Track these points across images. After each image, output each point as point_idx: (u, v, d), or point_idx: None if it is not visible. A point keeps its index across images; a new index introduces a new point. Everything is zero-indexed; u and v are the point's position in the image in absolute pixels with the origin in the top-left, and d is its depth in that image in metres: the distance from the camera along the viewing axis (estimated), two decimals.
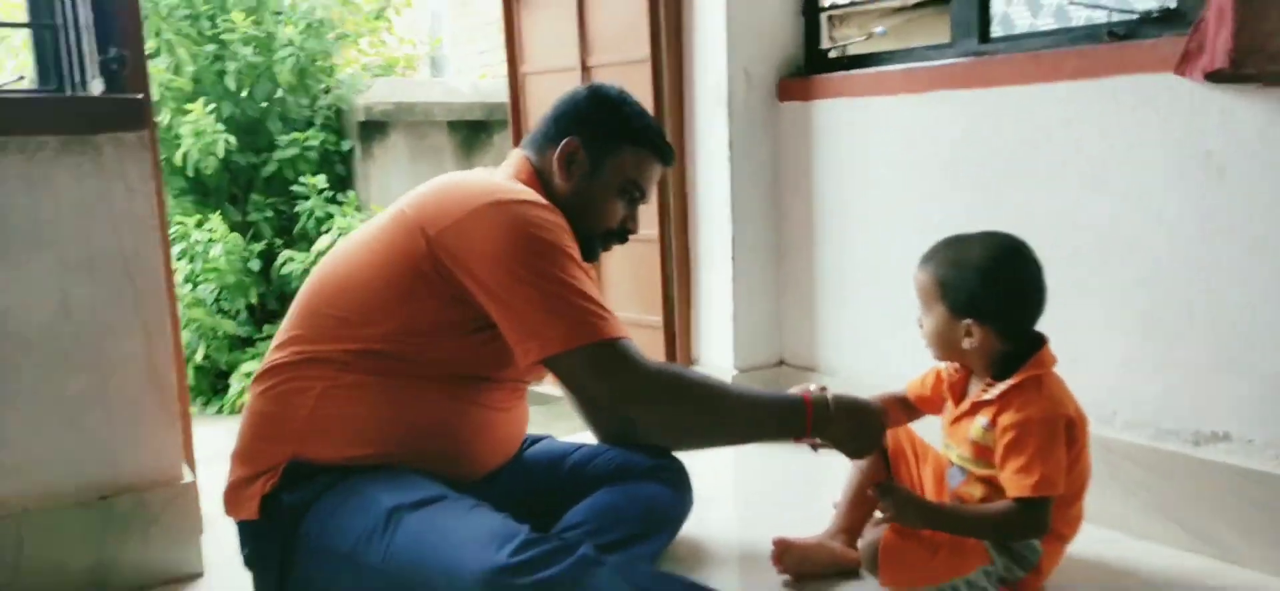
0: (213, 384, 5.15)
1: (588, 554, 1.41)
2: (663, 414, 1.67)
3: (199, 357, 4.88)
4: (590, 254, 1.82)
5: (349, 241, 1.72)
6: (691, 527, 1.99)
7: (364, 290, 1.62)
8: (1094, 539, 1.92)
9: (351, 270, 1.65)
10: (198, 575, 1.92)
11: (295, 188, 5.33)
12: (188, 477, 1.93)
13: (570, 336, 1.56)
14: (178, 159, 5.11)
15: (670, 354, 2.90)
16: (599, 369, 1.59)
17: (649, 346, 2.93)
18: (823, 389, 1.78)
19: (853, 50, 2.64)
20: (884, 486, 1.66)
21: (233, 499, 1.65)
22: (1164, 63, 1.83)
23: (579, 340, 1.56)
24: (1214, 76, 1.73)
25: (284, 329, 1.68)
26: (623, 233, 1.83)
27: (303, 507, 1.56)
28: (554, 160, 1.76)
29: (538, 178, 1.77)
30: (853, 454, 1.77)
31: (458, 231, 1.58)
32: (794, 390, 1.78)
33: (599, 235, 1.81)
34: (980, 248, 1.67)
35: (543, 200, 1.65)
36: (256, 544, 1.63)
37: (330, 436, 1.60)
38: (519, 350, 1.58)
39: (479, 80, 6.74)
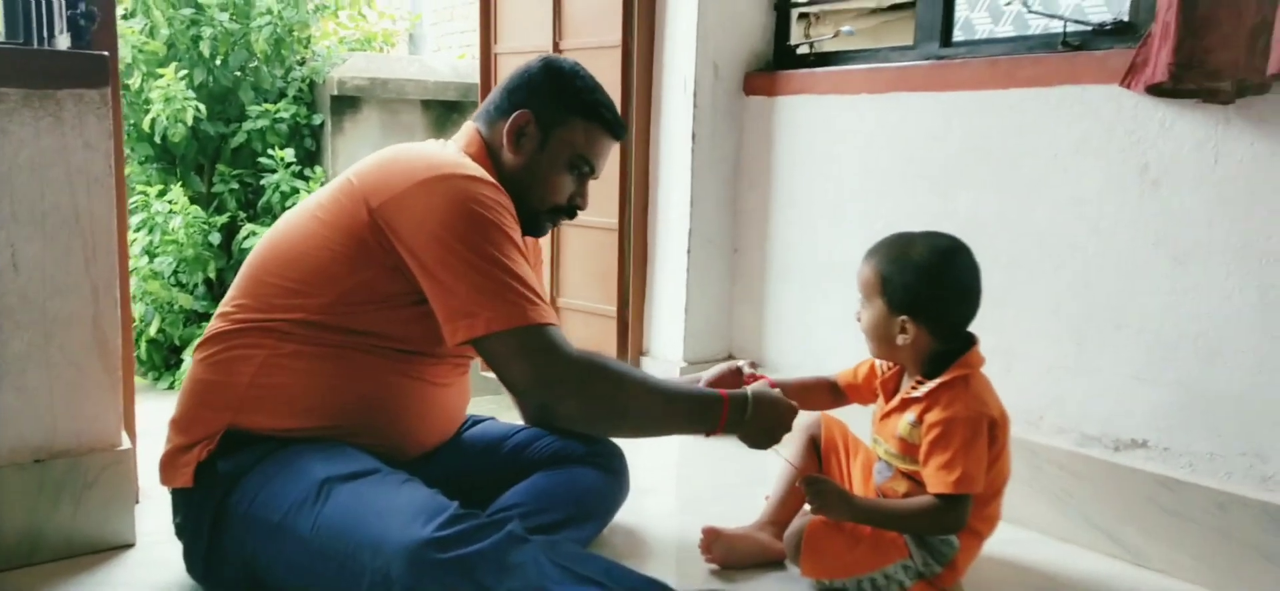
0: (165, 358, 5.09)
1: (514, 531, 1.42)
2: (579, 404, 1.65)
3: (153, 331, 4.83)
4: (537, 229, 1.83)
5: (296, 210, 1.72)
6: (626, 515, 2.01)
7: (308, 259, 1.62)
8: (1014, 539, 1.96)
9: (297, 239, 1.65)
10: (130, 545, 1.90)
11: (263, 160, 5.29)
12: (126, 445, 1.91)
13: (497, 318, 1.55)
14: (146, 124, 5.06)
15: (622, 344, 2.91)
16: (522, 354, 1.58)
17: (602, 336, 2.95)
18: (754, 365, 1.80)
19: (819, 48, 2.66)
20: (811, 479, 1.69)
21: (168, 466, 1.65)
22: (1112, 74, 1.86)
23: (506, 323, 1.55)
24: (1155, 90, 1.76)
25: (229, 296, 1.69)
26: (571, 208, 1.83)
27: (237, 476, 1.57)
28: (504, 132, 1.75)
29: (487, 151, 1.77)
30: (752, 446, 1.78)
31: (398, 204, 1.58)
32: (714, 371, 1.80)
33: (547, 210, 1.80)
34: (922, 246, 1.69)
35: (487, 177, 1.65)
36: (188, 512, 1.64)
37: (269, 406, 1.60)
38: (447, 328, 1.57)
39: (457, 60, 6.70)
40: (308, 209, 1.69)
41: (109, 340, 1.85)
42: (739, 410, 1.72)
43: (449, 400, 1.79)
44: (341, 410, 1.63)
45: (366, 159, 1.70)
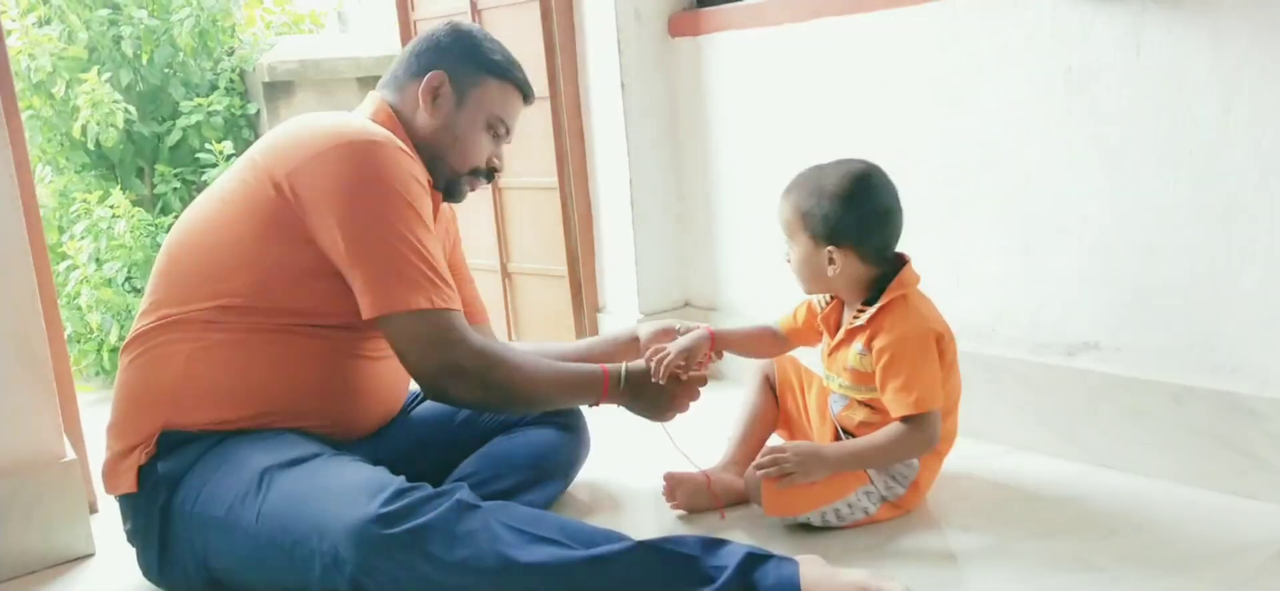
0: None
1: (462, 499, 1.41)
2: (476, 394, 1.64)
3: (113, 339, 4.75)
4: (457, 193, 1.81)
5: (201, 197, 1.68)
6: (589, 470, 2.01)
7: (219, 243, 1.58)
8: (976, 452, 1.97)
9: (206, 225, 1.61)
10: (89, 555, 1.88)
11: (201, 155, 5.19)
12: (70, 456, 1.88)
13: (397, 300, 1.53)
14: (76, 132, 4.94)
15: (577, 303, 2.89)
16: (420, 339, 1.56)
17: (556, 297, 2.92)
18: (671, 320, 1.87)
19: None
20: (773, 458, 1.66)
21: (110, 474, 1.63)
22: None
23: (405, 305, 1.53)
24: None
25: (146, 295, 1.65)
26: (490, 171, 1.81)
27: (178, 476, 1.55)
28: (419, 94, 1.73)
29: (397, 118, 1.74)
30: (646, 417, 1.81)
31: (303, 173, 1.54)
32: (649, 329, 1.86)
33: (466, 172, 1.78)
34: (836, 175, 1.69)
35: (397, 142, 1.62)
36: (136, 517, 1.61)
37: (201, 401, 1.57)
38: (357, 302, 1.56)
39: (390, 34, 6.58)
40: (212, 194, 1.65)
41: (37, 353, 1.81)
42: (615, 382, 1.75)
43: (388, 374, 1.76)
44: (276, 395, 1.60)
45: (268, 133, 1.67)
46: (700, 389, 1.81)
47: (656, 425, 1.82)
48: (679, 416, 1.82)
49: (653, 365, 1.77)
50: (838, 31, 2.22)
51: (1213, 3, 1.64)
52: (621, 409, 1.80)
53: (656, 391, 1.77)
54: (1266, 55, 1.60)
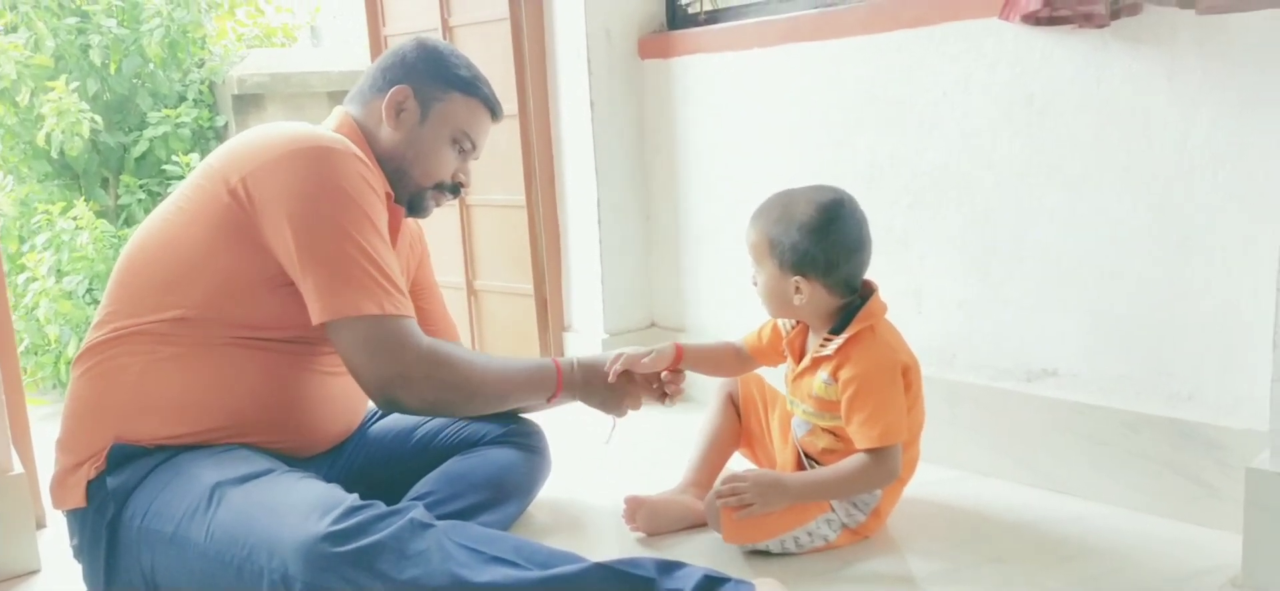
0: None
1: (415, 518, 1.39)
2: (424, 398, 1.63)
3: (71, 352, 4.68)
4: (421, 209, 1.81)
5: (158, 209, 1.66)
6: (550, 491, 1.99)
7: (174, 252, 1.56)
8: (936, 478, 1.97)
9: (162, 234, 1.59)
10: (35, 571, 1.85)
11: (168, 167, 5.14)
12: (17, 470, 1.85)
13: (346, 305, 1.52)
14: (41, 141, 4.88)
15: (542, 321, 2.88)
16: (368, 345, 1.54)
17: (522, 315, 2.91)
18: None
19: (709, 5, 2.63)
20: (732, 487, 1.65)
21: (59, 489, 1.59)
22: (990, 8, 1.86)
23: (354, 310, 1.52)
24: (1030, 19, 1.77)
25: (101, 306, 1.62)
26: (455, 187, 1.81)
27: (128, 491, 1.52)
28: (382, 109, 1.73)
29: (361, 132, 1.74)
30: (608, 411, 1.88)
31: (258, 176, 1.53)
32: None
33: (431, 187, 1.78)
34: (804, 204, 1.67)
35: (355, 150, 1.61)
36: (83, 532, 1.58)
37: (153, 415, 1.55)
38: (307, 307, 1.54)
39: (362, 49, 6.56)
40: (169, 203, 1.64)
41: None
42: (570, 375, 1.83)
43: (345, 390, 1.74)
44: (229, 410, 1.57)
45: (227, 141, 1.66)
46: (677, 393, 1.89)
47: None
48: (631, 413, 1.91)
49: (608, 365, 1.83)
50: (804, 57, 2.24)
51: (1169, 39, 1.67)
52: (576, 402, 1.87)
53: (608, 387, 1.84)
54: (1220, 91, 1.63)
